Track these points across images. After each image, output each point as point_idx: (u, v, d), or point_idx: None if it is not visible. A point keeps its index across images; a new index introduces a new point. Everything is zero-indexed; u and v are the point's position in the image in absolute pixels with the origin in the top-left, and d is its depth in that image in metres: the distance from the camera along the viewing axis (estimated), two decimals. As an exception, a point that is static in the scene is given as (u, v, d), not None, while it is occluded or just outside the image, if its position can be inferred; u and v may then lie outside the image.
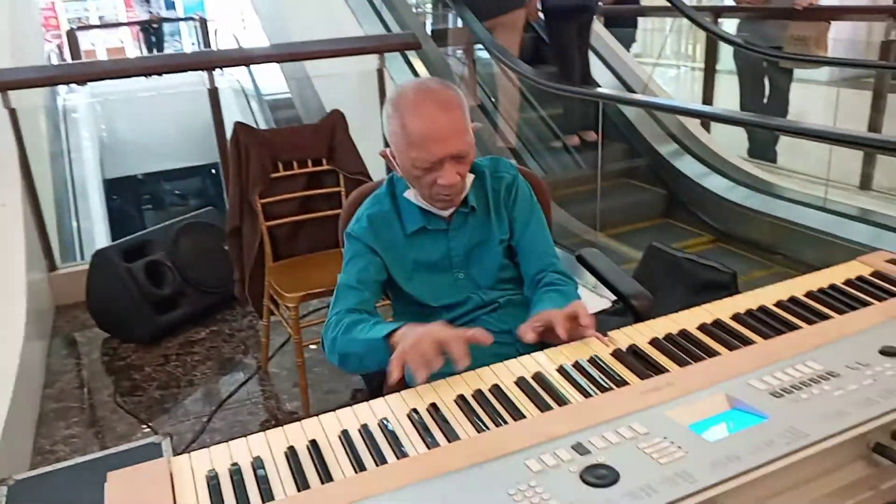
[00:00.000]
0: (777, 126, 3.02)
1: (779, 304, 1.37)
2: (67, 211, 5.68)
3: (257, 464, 0.98)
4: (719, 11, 5.16)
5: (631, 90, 4.77)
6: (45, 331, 3.36)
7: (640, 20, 7.01)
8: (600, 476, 0.88)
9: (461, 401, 1.11)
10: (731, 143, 4.73)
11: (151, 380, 2.96)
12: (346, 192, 2.82)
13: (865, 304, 1.36)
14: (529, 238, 1.60)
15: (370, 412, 1.09)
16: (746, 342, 1.24)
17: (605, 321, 1.64)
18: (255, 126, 3.26)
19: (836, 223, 3.58)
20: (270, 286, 2.69)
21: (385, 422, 1.06)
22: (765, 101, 5.14)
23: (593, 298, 2.87)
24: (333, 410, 1.10)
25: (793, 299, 1.38)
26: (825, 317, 1.32)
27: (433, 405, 1.10)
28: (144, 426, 2.64)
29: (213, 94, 3.56)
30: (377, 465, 0.97)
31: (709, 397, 1.05)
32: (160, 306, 3.24)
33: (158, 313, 3.23)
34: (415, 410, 1.09)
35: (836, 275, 1.48)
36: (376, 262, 1.53)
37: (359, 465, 0.97)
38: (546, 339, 1.31)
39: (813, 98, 5.44)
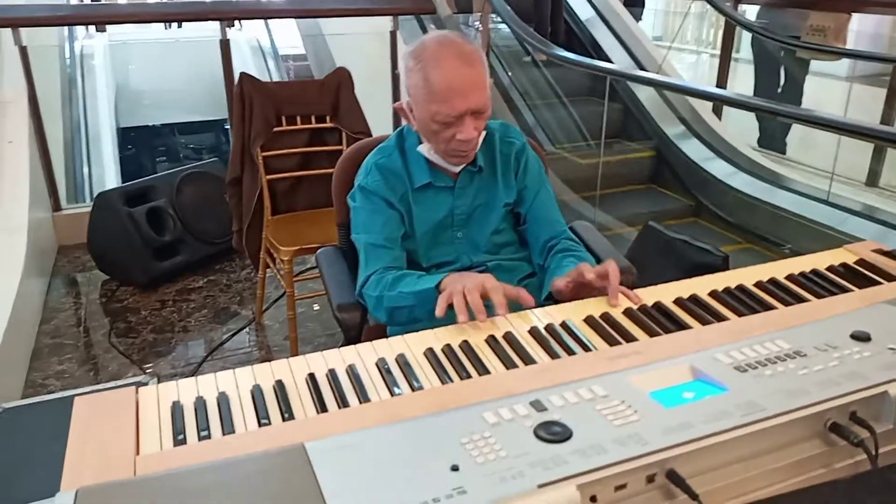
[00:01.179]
0: (785, 112, 2.99)
1: (758, 285, 1.37)
2: (79, 155, 5.70)
3: (222, 398, 1.00)
4: (740, -4, 5.07)
5: (643, 70, 4.72)
6: (46, 269, 3.41)
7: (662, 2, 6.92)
8: (553, 432, 0.89)
9: (430, 354, 1.12)
10: (742, 131, 4.71)
11: (147, 323, 3.00)
12: (348, 151, 2.83)
13: (845, 290, 1.36)
14: (539, 206, 1.62)
15: (340, 358, 1.11)
16: (720, 318, 1.24)
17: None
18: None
19: (841, 218, 3.55)
20: (267, 239, 2.71)
21: (353, 368, 1.08)
22: (779, 90, 5.08)
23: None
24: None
25: (773, 281, 1.38)
26: (803, 299, 1.32)
27: (401, 356, 1.11)
28: (136, 367, 2.69)
29: (225, 45, 3.55)
30: (339, 408, 0.99)
31: (673, 367, 1.06)
32: (160, 252, 3.28)
33: (158, 259, 3.27)
34: (383, 360, 1.10)
35: (820, 260, 1.48)
36: (395, 217, 1.53)
37: (321, 407, 0.99)
38: (577, 296, 1.35)
39: (828, 92, 5.37)
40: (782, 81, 5.07)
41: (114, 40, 6.99)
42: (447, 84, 1.36)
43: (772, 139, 4.84)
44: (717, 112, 4.61)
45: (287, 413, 0.98)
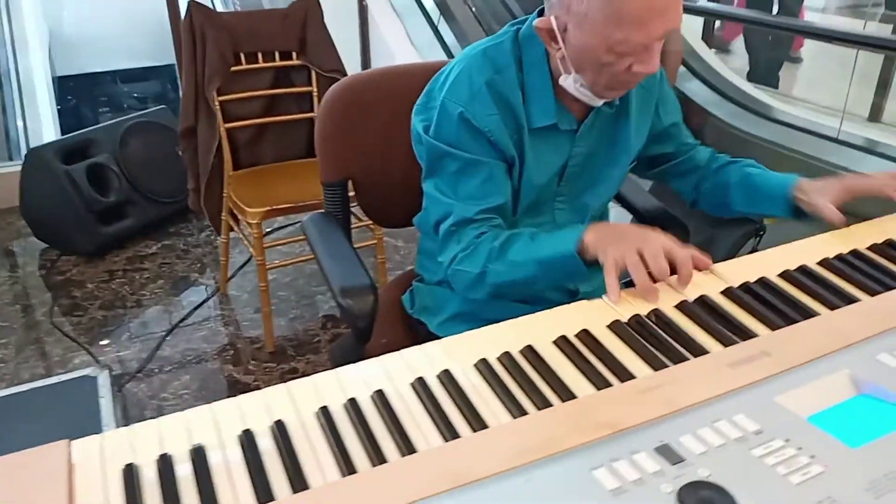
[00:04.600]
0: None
1: (872, 248, 1.09)
2: (11, 107, 5.18)
3: (197, 456, 0.68)
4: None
5: None
6: (-27, 238, 2.99)
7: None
8: (708, 501, 0.60)
9: (484, 368, 0.81)
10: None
11: (94, 298, 2.63)
12: (318, 93, 2.45)
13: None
14: (682, 136, 1.32)
15: (401, 364, 0.79)
16: (848, 299, 0.96)
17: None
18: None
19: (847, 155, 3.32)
20: (230, 198, 2.35)
21: (382, 394, 0.76)
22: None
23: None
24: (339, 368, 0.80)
25: (889, 243, 1.10)
26: (929, 268, 1.04)
27: (446, 373, 0.80)
28: (83, 351, 2.33)
29: (168, -26, 3.09)
30: (374, 465, 0.68)
31: (826, 377, 0.77)
32: (104, 215, 2.88)
33: (103, 223, 2.87)
34: (420, 380, 0.79)
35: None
36: (501, 171, 1.12)
37: (346, 466, 0.68)
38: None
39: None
40: (776, 11, 4.79)
41: (41, -23, 6.35)
42: (645, 2, 0.97)
43: (765, 73, 4.58)
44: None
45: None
